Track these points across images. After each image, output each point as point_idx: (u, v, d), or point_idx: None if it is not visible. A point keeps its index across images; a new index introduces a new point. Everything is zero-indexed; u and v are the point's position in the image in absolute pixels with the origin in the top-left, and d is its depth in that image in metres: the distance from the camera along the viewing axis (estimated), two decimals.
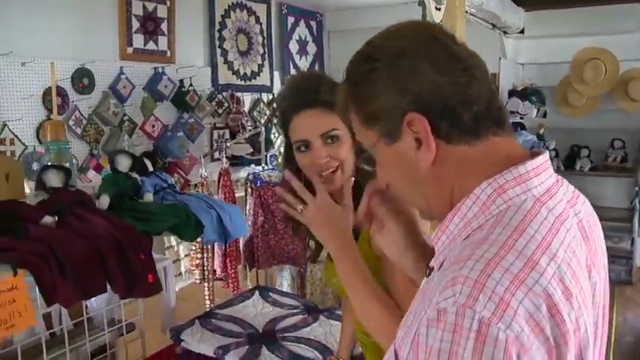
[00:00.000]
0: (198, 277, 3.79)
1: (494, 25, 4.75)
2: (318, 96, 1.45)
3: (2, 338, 1.33)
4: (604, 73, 5.10)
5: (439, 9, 2.42)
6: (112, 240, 1.52)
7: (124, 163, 1.88)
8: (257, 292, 2.45)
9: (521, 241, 0.75)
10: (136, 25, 4.88)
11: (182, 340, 2.04)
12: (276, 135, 6.58)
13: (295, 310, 2.30)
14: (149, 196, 1.88)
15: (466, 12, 3.14)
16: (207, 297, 3.72)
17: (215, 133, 5.77)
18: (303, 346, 1.96)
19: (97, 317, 2.02)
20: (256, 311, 2.27)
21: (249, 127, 6.11)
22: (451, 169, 0.85)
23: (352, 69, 0.94)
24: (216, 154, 5.38)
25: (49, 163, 1.70)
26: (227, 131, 5.91)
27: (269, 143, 6.43)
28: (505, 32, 5.12)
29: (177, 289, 2.45)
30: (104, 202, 1.75)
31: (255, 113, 6.39)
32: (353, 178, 1.48)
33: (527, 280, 0.72)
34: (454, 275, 0.73)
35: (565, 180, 0.93)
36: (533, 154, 0.86)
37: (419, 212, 0.97)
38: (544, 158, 0.85)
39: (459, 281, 0.72)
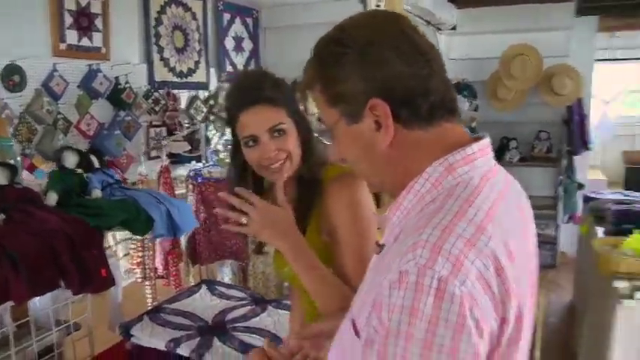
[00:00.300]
0: (139, 276, 3.75)
1: (428, 22, 4.92)
2: (262, 92, 1.52)
3: None
4: (530, 69, 5.37)
5: (379, 6, 2.52)
6: (65, 235, 1.52)
7: (70, 160, 1.88)
8: (204, 286, 2.48)
9: (471, 211, 0.87)
10: (69, 20, 4.75)
11: (132, 336, 2.05)
12: (214, 132, 6.55)
13: (243, 302, 2.35)
14: (97, 192, 1.88)
15: (403, 10, 3.27)
16: (149, 295, 3.70)
17: (152, 131, 5.68)
18: (253, 335, 2.01)
19: (41, 317, 2.00)
20: (204, 304, 2.30)
21: (187, 125, 6.08)
22: (406, 151, 0.96)
23: (322, 50, 1.02)
24: (154, 152, 5.32)
25: None
26: (164, 129, 5.83)
27: (207, 140, 6.43)
28: (439, 29, 5.31)
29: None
30: (52, 198, 1.74)
31: (192, 111, 6.32)
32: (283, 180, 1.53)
33: (477, 244, 0.83)
34: (414, 241, 0.83)
35: (502, 168, 1.03)
36: (477, 139, 0.96)
37: (369, 186, 1.04)
38: (486, 142, 0.97)
39: (419, 245, 0.82)
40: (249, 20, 7.50)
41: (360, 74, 0.95)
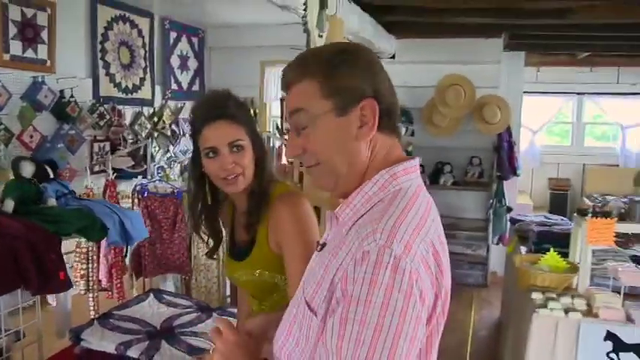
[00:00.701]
0: (82, 288, 3.76)
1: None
2: (226, 110, 1.66)
3: None
4: (463, 98, 5.70)
5: (321, 36, 2.71)
6: (25, 240, 1.60)
7: (27, 169, 1.95)
8: (152, 295, 2.56)
9: (414, 209, 1.08)
10: (13, 30, 4.71)
11: (82, 340, 2.12)
12: (157, 148, 6.58)
13: (189, 309, 2.45)
14: (52, 201, 1.96)
15: (344, 38, 3.48)
16: (92, 307, 3.71)
17: (96, 145, 5.67)
18: (200, 339, 2.12)
19: None
20: (152, 311, 2.39)
21: (131, 140, 6.10)
22: (371, 149, 1.15)
23: (329, 52, 1.17)
24: (97, 167, 5.32)
25: None
26: (108, 144, 5.84)
27: (151, 157, 6.45)
28: (378, 57, 5.57)
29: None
30: (9, 205, 1.81)
31: (136, 127, 6.34)
32: None
33: (421, 233, 1.04)
34: (373, 228, 1.03)
35: None
36: (410, 158, 1.16)
37: (324, 186, 1.19)
38: (418, 161, 1.16)
39: (378, 231, 1.01)
40: (194, 39, 7.58)
41: (361, 75, 1.12)
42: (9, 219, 1.68)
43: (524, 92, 6.67)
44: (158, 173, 3.78)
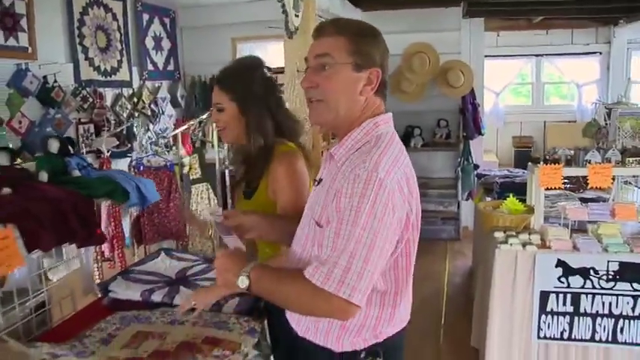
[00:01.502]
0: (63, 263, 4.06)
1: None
2: (219, 77, 2.09)
3: (4, 274, 1.69)
4: (428, 64, 6.04)
5: (297, 15, 3.01)
6: (69, 202, 1.91)
7: (54, 146, 2.24)
8: (162, 252, 2.88)
9: (391, 149, 1.46)
10: None
11: (109, 292, 2.45)
12: (138, 128, 6.80)
13: (198, 262, 2.77)
14: (76, 172, 2.25)
15: (316, 15, 3.79)
16: (97, 277, 4.02)
17: (81, 127, 5.90)
18: (212, 282, 2.47)
19: (20, 286, 2.36)
20: (165, 266, 2.71)
21: (113, 122, 6.33)
22: (366, 103, 1.52)
23: (360, 24, 1.58)
24: (83, 149, 5.55)
25: None
26: (92, 126, 6.06)
27: (133, 136, 6.69)
28: None
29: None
30: (44, 177, 2.10)
31: (117, 108, 6.55)
32: None
33: (397, 164, 1.44)
34: (363, 159, 1.40)
35: None
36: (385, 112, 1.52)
37: (324, 123, 1.57)
38: (391, 114, 1.53)
39: (367, 161, 1.40)
40: (166, 20, 7.75)
41: (378, 49, 1.51)
42: (52, 187, 1.99)
43: (486, 56, 7.02)
44: (151, 148, 4.06)
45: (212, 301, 2.00)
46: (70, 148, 2.36)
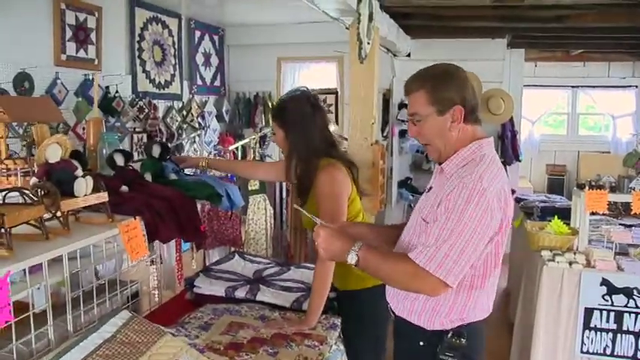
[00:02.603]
0: (147, 261, 4.32)
1: (388, 50, 5.76)
2: (274, 105, 2.65)
3: (133, 261, 1.95)
4: None
5: (369, 43, 3.27)
6: (179, 201, 2.17)
7: (156, 151, 2.51)
8: (236, 255, 3.13)
9: (493, 166, 1.71)
10: (69, 33, 5.24)
11: (194, 287, 2.69)
12: (186, 140, 7.11)
13: (270, 264, 3.00)
14: (173, 176, 2.51)
15: (379, 43, 4.06)
16: (156, 278, 4.27)
17: (135, 137, 6.23)
18: (289, 282, 2.69)
19: (111, 278, 2.60)
20: (241, 267, 2.93)
21: (165, 132, 6.65)
22: (460, 135, 1.77)
23: (434, 72, 1.79)
24: (136, 156, 5.81)
25: (116, 149, 2.31)
26: (145, 135, 6.39)
27: (181, 147, 7.00)
28: (395, 55, 6.13)
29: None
30: (148, 178, 2.37)
31: (168, 119, 6.88)
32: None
33: (496, 179, 1.69)
34: (470, 172, 1.66)
35: None
36: (487, 136, 1.77)
37: (432, 152, 1.83)
38: (492, 138, 1.77)
39: (474, 172, 1.66)
40: (215, 38, 8.11)
41: (454, 90, 1.75)
42: (161, 186, 2.25)
43: (524, 86, 7.25)
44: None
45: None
46: (166, 153, 2.63)
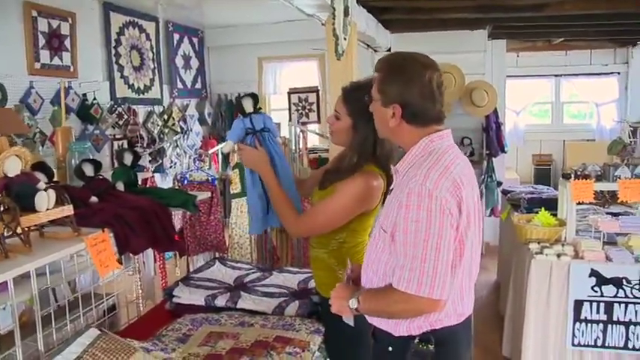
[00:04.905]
0: (130, 269, 4.24)
1: (368, 46, 5.70)
2: (348, 88, 2.20)
3: (103, 275, 1.86)
4: (454, 84, 6.20)
5: (346, 39, 3.20)
6: (152, 210, 2.09)
7: (129, 159, 2.43)
8: (217, 261, 3.06)
9: (442, 161, 1.64)
10: (42, 41, 5.13)
11: (174, 296, 2.61)
12: (168, 144, 7.02)
13: (252, 270, 2.93)
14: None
15: (357, 38, 3.98)
16: (139, 286, 4.19)
17: (115, 143, 6.12)
18: (271, 288, 2.62)
19: (86, 293, 2.53)
20: (222, 273, 2.87)
21: (146, 138, 6.56)
22: (408, 135, 1.70)
23: (389, 63, 1.73)
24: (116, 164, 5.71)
25: (84, 158, 2.23)
26: (125, 142, 6.29)
27: (163, 152, 6.91)
28: (375, 50, 6.07)
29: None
30: (120, 187, 2.28)
31: (149, 125, 6.78)
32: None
33: (445, 174, 1.59)
34: (414, 174, 1.59)
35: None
36: (442, 128, 1.69)
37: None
38: (449, 132, 1.70)
39: (417, 174, 1.59)
40: (195, 40, 8.01)
41: (397, 87, 1.67)
42: (133, 196, 2.17)
43: (507, 76, 7.21)
44: (196, 164, 4.24)
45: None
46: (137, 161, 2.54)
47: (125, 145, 6.23)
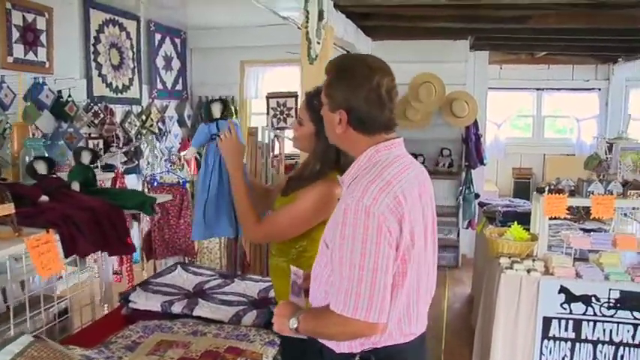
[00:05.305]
0: (97, 272, 4.13)
1: (347, 52, 5.65)
2: (312, 93, 2.14)
3: (45, 278, 1.78)
4: (434, 94, 6.18)
5: (319, 43, 3.14)
6: (104, 212, 2.00)
7: (87, 158, 2.34)
8: (179, 266, 2.97)
9: (385, 174, 1.54)
10: (16, 35, 5.01)
11: (130, 302, 2.52)
12: (146, 145, 6.91)
13: (214, 277, 2.85)
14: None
15: (334, 43, 3.93)
16: (94, 290, 4.07)
17: (90, 142, 6.00)
18: (229, 296, 2.55)
19: (37, 294, 2.43)
20: (183, 279, 2.78)
21: (122, 138, 6.45)
22: (355, 143, 1.64)
23: (337, 66, 1.66)
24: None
25: (36, 156, 2.14)
26: (101, 141, 6.17)
27: (140, 153, 6.79)
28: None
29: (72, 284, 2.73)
30: (76, 187, 2.19)
31: (126, 125, 6.66)
32: None
33: (386, 189, 1.50)
34: (353, 189, 1.52)
35: (411, 156, 1.69)
36: (396, 138, 1.62)
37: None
38: (400, 140, 1.62)
39: (355, 189, 1.51)
40: (177, 41, 7.91)
41: (343, 92, 1.60)
42: (87, 196, 2.08)
43: (489, 88, 7.20)
44: (167, 165, 4.15)
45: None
46: (97, 160, 2.46)
47: (101, 145, 6.14)
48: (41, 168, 2.10)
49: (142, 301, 2.51)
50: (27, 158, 2.19)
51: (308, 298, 1.75)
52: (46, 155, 2.25)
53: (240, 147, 2.23)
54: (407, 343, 1.64)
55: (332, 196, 2.08)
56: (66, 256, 1.85)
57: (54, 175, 2.16)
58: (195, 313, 2.40)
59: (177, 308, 2.44)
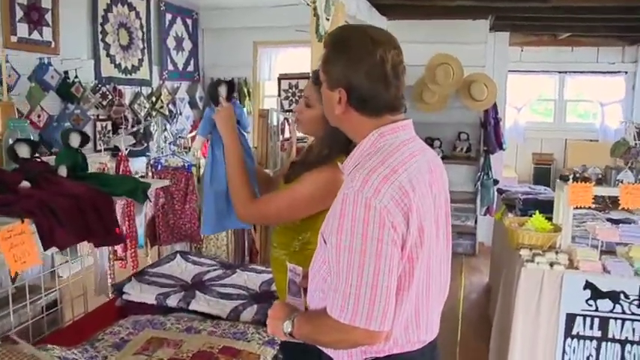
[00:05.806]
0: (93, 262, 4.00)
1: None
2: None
3: (19, 271, 1.63)
4: (452, 76, 5.95)
5: (328, 19, 2.94)
6: (89, 199, 1.84)
7: (75, 140, 2.18)
8: (178, 255, 2.82)
9: (390, 160, 1.35)
10: (20, 13, 4.87)
11: (124, 293, 2.38)
12: (155, 127, 6.77)
13: (214, 267, 2.71)
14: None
15: (345, 21, 3.73)
16: (109, 276, 3.96)
17: (99, 124, 5.89)
18: (229, 288, 2.39)
19: (35, 282, 2.29)
20: (181, 269, 2.64)
21: (131, 120, 6.31)
22: (357, 124, 1.45)
23: (334, 39, 1.47)
24: (98, 145, 5.48)
25: (19, 138, 1.98)
26: (109, 123, 6.05)
27: (149, 135, 6.65)
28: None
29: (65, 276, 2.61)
30: (63, 171, 2.03)
31: (135, 106, 6.54)
32: None
33: (390, 178, 1.31)
34: (352, 177, 1.32)
35: (421, 140, 1.49)
36: (404, 119, 1.42)
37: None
38: (409, 122, 1.42)
39: (355, 178, 1.31)
40: (189, 21, 7.75)
41: (342, 70, 1.41)
42: (72, 182, 1.92)
43: (509, 71, 6.94)
44: (171, 148, 4.00)
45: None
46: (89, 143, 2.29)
47: (110, 127, 6.02)
48: (23, 151, 1.93)
49: (137, 292, 2.38)
50: (10, 141, 2.02)
51: (307, 299, 1.57)
52: (32, 138, 2.07)
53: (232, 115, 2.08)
54: (415, 351, 1.45)
55: (338, 182, 1.89)
56: (45, 248, 1.68)
57: (38, 159, 2.00)
58: (191, 307, 2.27)
59: (172, 301, 2.30)
